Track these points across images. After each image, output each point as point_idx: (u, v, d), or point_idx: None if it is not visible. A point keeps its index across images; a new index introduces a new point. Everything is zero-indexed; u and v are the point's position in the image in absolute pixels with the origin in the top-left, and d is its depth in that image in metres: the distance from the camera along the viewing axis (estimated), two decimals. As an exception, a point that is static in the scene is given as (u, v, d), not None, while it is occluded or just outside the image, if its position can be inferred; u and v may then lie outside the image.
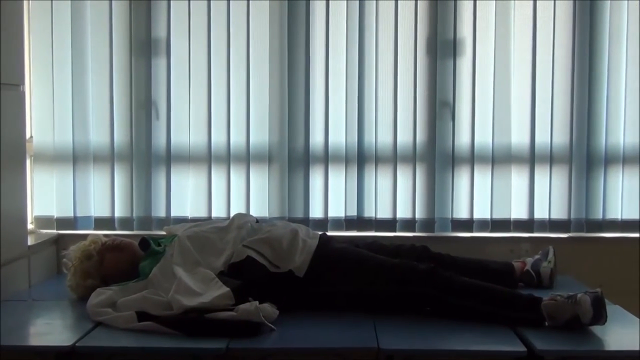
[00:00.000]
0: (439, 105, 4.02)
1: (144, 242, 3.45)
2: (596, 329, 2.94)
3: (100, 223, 4.07)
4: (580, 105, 4.01)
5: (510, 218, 4.05)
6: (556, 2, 3.98)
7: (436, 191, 4.04)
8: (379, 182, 4.05)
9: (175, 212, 4.07)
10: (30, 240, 3.79)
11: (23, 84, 3.71)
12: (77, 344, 2.81)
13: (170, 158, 4.05)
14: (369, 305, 3.21)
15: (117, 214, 4.08)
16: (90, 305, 3.13)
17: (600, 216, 4.04)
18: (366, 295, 3.23)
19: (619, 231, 4.05)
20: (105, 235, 3.59)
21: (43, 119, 4.04)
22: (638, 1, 3.95)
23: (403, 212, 4.06)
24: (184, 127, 4.04)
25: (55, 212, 4.07)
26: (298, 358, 2.83)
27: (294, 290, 3.24)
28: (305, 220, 4.00)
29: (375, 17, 4.00)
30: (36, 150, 4.04)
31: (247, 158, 4.04)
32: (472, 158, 4.03)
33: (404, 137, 4.03)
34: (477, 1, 3.98)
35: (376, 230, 4.05)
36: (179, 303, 2.99)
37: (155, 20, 4.01)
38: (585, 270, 3.84)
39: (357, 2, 3.99)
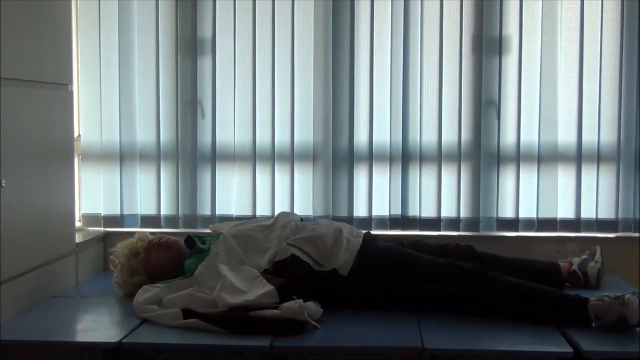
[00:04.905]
0: (485, 103, 3.99)
1: (190, 240, 3.48)
2: (644, 331, 2.91)
3: (147, 221, 4.11)
4: (629, 103, 3.95)
5: (557, 218, 4.00)
6: (604, 0, 3.93)
7: (481, 190, 4.01)
8: (423, 181, 4.03)
9: (220, 211, 4.09)
10: (79, 238, 3.83)
11: (71, 83, 3.75)
12: (124, 341, 2.85)
13: (215, 157, 4.07)
14: (413, 304, 3.21)
15: (163, 212, 4.11)
16: (137, 302, 3.17)
17: (649, 216, 3.99)
18: (410, 295, 3.22)
19: (668, 231, 3.99)
20: (152, 233, 3.63)
21: (91, 118, 4.08)
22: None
23: (448, 212, 4.03)
24: (230, 126, 4.07)
25: (102, 210, 4.12)
26: (342, 357, 2.84)
27: (338, 289, 3.25)
28: (350, 219, 4.00)
29: (421, 16, 3.98)
30: (84, 149, 4.09)
31: (291, 157, 4.05)
32: (518, 157, 3.99)
33: (449, 136, 4.01)
34: (524, -1, 3.96)
35: (421, 230, 4.03)
36: (224, 301, 3.01)
37: (201, 20, 4.03)
38: (634, 271, 3.78)
39: (403, 1, 3.97)
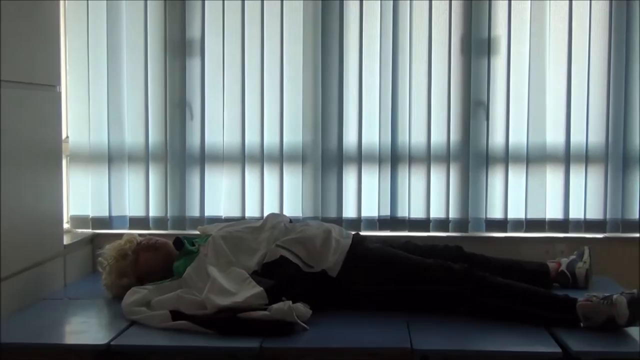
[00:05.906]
0: (473, 104, 4.00)
1: (178, 241, 3.47)
2: (632, 330, 2.91)
3: (135, 222, 4.10)
4: (617, 104, 3.96)
5: (545, 218, 4.01)
6: (592, 1, 3.94)
7: (470, 191, 4.01)
8: (412, 181, 4.03)
9: (209, 212, 4.08)
10: (66, 240, 3.83)
11: (59, 84, 3.74)
12: (112, 343, 2.84)
13: (204, 158, 4.06)
14: (402, 305, 3.21)
15: (151, 214, 4.10)
16: (125, 304, 3.16)
17: (636, 216, 3.98)
18: (399, 295, 3.22)
19: (655, 231, 4.00)
20: (140, 235, 3.62)
21: (79, 119, 4.07)
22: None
23: (437, 212, 4.04)
24: (218, 128, 4.06)
25: (90, 212, 4.10)
26: (331, 358, 2.84)
27: (327, 290, 3.24)
28: (339, 220, 3.99)
29: (409, 17, 3.98)
30: (72, 151, 4.07)
31: (280, 158, 4.05)
32: (507, 157, 4.00)
33: (438, 137, 4.01)
34: (512, 0, 3.96)
35: (409, 230, 4.04)
36: (212, 302, 3.01)
37: (189, 21, 4.03)
38: (622, 271, 3.79)
39: (391, 1, 3.98)
